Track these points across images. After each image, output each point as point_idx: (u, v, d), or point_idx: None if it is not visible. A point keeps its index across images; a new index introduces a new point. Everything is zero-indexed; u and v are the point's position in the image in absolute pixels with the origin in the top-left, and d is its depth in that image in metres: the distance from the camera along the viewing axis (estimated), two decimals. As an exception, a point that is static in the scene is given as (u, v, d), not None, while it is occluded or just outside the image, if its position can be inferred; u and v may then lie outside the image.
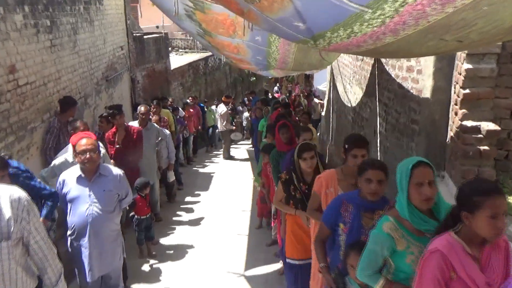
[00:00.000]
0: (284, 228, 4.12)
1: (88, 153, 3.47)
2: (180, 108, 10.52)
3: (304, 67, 7.06)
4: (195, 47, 25.17)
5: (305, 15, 2.22)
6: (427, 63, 3.98)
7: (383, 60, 5.31)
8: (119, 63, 9.43)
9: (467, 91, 3.48)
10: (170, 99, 10.89)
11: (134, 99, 10.44)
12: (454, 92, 3.71)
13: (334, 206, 2.87)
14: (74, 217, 3.65)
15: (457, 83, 3.64)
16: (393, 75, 4.92)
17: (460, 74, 3.58)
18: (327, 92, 14.55)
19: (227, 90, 18.48)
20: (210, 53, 17.72)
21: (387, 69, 5.14)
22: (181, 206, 7.78)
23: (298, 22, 2.33)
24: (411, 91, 4.39)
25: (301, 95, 18.76)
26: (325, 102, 13.62)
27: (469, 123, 3.49)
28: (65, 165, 4.24)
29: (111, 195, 3.71)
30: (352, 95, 7.24)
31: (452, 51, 3.42)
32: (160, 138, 6.81)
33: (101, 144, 4.85)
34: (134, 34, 10.87)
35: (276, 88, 19.25)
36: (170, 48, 24.40)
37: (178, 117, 10.24)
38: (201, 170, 10.75)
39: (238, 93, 20.07)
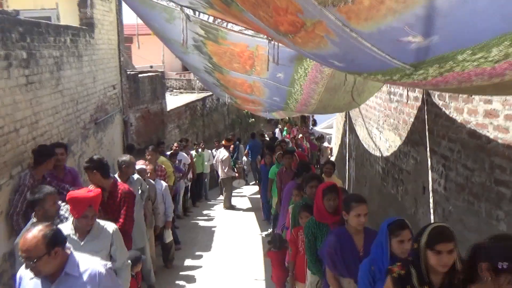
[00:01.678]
0: None
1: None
2: (184, 154, 9.40)
3: (328, 109, 6.07)
4: (190, 87, 24.39)
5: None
6: (528, 107, 2.97)
7: (438, 101, 4.29)
8: (111, 104, 8.39)
9: None
10: (175, 145, 9.74)
11: (127, 144, 9.33)
12: None
13: None
14: None
15: None
16: (458, 121, 3.89)
17: None
18: (334, 136, 13.60)
19: (225, 132, 17.46)
20: (207, 93, 16.81)
21: (446, 112, 4.11)
22: (181, 273, 6.52)
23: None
24: (494, 142, 3.34)
25: (302, 136, 17.81)
26: (334, 146, 12.61)
27: None
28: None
29: None
30: (383, 142, 6.21)
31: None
32: (140, 191, 5.48)
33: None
34: (128, 72, 9.91)
35: (277, 130, 18.26)
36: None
37: (177, 163, 9.12)
38: (200, 223, 9.51)
39: (236, 135, 19.05)
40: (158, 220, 6.20)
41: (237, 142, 14.02)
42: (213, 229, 8.96)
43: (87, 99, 6.89)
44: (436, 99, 4.33)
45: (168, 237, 6.48)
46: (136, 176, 5.49)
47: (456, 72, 1.61)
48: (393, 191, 5.74)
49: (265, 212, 9.08)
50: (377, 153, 6.50)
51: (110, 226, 3.35)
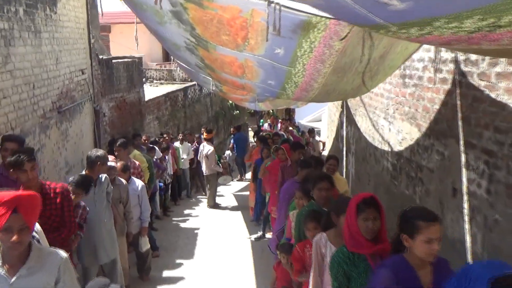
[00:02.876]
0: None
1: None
2: (157, 148, 8.43)
3: (331, 96, 5.18)
4: (171, 78, 23.28)
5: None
6: None
7: (478, 82, 3.45)
8: (79, 91, 7.36)
9: None
10: (143, 137, 8.79)
11: (99, 136, 8.31)
12: None
13: None
14: None
15: None
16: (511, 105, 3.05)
17: None
18: (326, 129, 12.77)
19: (208, 124, 16.47)
20: (189, 83, 15.81)
21: (492, 95, 3.27)
22: (158, 287, 5.60)
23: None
24: None
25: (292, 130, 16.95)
26: (326, 140, 11.78)
27: None
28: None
29: None
30: (393, 134, 5.36)
31: None
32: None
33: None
34: (101, 57, 8.85)
35: (266, 124, 17.36)
36: (144, 79, 22.52)
37: (155, 159, 8.16)
38: (181, 224, 8.57)
39: (220, 127, 18.10)
40: (131, 226, 5.26)
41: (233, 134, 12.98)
42: (195, 231, 8.03)
43: (48, 83, 5.86)
44: (475, 80, 3.48)
45: (145, 245, 5.55)
46: (103, 175, 4.54)
47: (436, 36, 1.77)
48: (408, 192, 4.91)
49: (256, 212, 8.20)
50: (385, 147, 5.66)
51: (56, 255, 2.38)
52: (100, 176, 4.42)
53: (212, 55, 4.70)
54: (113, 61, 9.52)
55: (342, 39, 2.84)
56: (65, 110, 6.50)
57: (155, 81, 22.83)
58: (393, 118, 5.39)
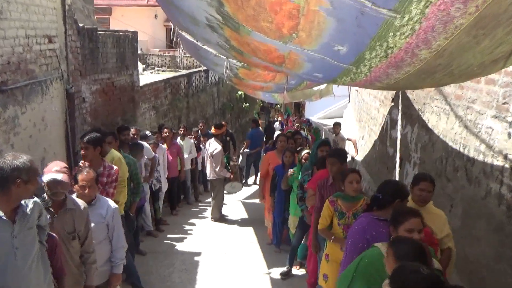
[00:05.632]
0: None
1: None
2: (146, 145, 6.40)
3: (414, 83, 3.19)
4: (175, 66, 21.28)
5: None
6: None
7: None
8: (42, 64, 5.36)
9: None
10: (132, 130, 6.67)
11: (73, 128, 6.30)
12: None
13: None
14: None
15: None
16: None
17: None
18: (355, 128, 10.72)
19: (214, 117, 14.45)
20: (194, 70, 13.82)
21: None
22: None
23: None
24: None
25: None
26: (358, 140, 9.73)
27: None
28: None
29: None
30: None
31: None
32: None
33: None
34: (81, 25, 6.83)
35: (277, 123, 15.31)
36: (144, 66, 20.47)
37: (145, 159, 6.16)
38: (178, 246, 6.56)
39: (227, 121, 16.08)
40: (92, 275, 3.25)
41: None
42: (196, 258, 6.03)
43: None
44: None
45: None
46: (30, 200, 2.54)
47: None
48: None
49: (276, 234, 6.21)
50: (494, 161, 3.64)
51: None
52: (23, 202, 2.43)
53: (243, 38, 3.02)
54: (99, 32, 7.48)
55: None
56: (14, 89, 4.49)
57: (156, 68, 20.92)
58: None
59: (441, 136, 4.76)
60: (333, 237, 3.74)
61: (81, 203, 3.13)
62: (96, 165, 4.05)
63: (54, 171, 2.90)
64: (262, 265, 5.81)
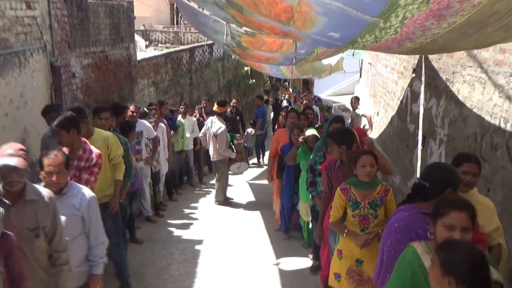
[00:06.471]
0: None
1: None
2: (147, 124, 5.82)
3: (449, 46, 2.55)
4: (178, 42, 20.58)
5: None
6: None
7: None
8: (18, 33, 4.76)
9: None
10: (131, 107, 6.05)
11: (60, 104, 5.72)
12: None
13: None
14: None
15: None
16: None
17: None
18: (373, 102, 10.03)
19: (218, 94, 13.80)
20: (197, 44, 13.13)
21: None
22: None
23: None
24: None
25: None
26: (373, 116, 9.07)
27: None
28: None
29: None
30: None
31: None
32: None
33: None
34: (68, -9, 6.20)
35: (284, 102, 14.52)
36: (147, 42, 19.77)
37: (135, 142, 5.58)
38: (178, 232, 6.04)
39: (233, 98, 15.43)
40: (65, 277, 2.70)
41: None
42: (197, 247, 5.51)
43: None
44: None
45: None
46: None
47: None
48: None
49: (284, 220, 5.65)
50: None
51: None
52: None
53: (247, 17, 2.37)
54: (89, 0, 6.83)
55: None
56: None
57: (160, 45, 20.27)
58: None
59: (475, 110, 4.11)
60: (346, 231, 3.17)
61: (45, 192, 2.56)
62: (77, 148, 3.49)
63: (6, 155, 2.33)
64: (269, 254, 5.27)
